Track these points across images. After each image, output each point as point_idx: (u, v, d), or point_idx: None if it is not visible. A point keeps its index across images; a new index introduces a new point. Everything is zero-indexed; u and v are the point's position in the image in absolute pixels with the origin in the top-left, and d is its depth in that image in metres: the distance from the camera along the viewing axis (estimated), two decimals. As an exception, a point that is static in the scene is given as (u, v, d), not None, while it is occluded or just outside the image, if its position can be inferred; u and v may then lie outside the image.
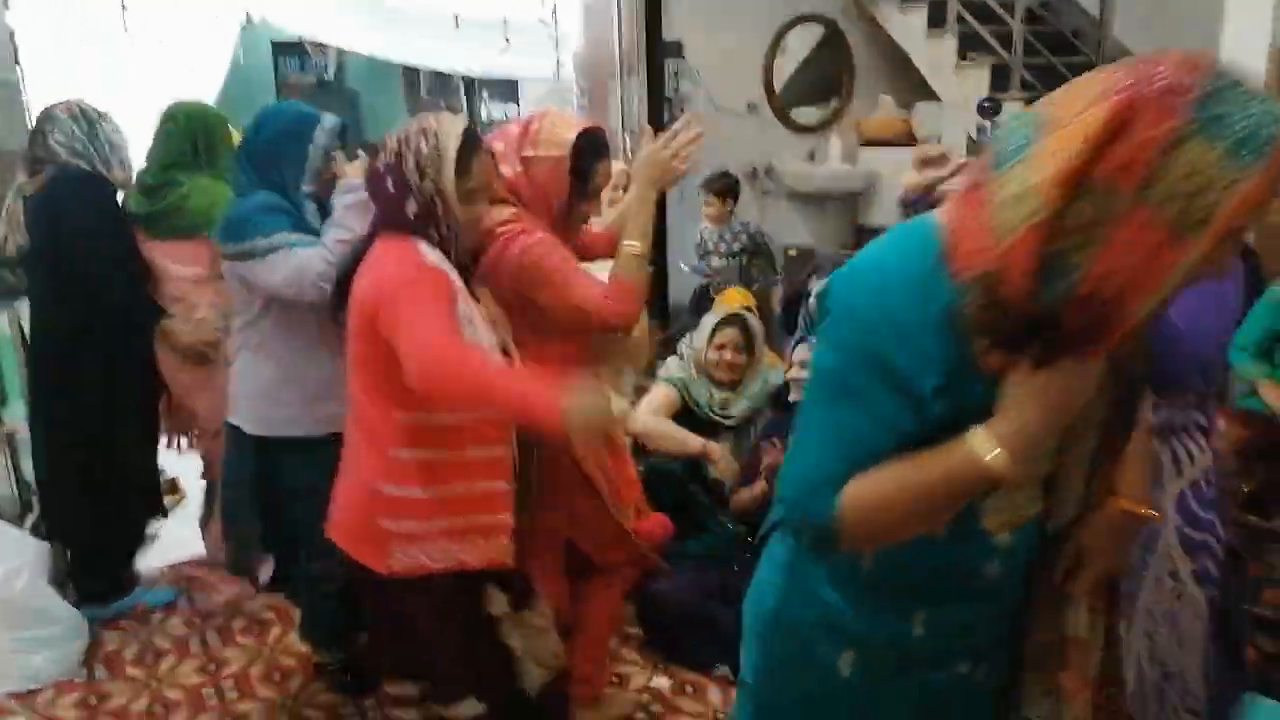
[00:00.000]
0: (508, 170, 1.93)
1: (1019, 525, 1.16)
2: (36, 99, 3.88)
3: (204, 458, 3.10)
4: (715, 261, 4.50)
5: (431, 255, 1.65)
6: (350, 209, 2.06)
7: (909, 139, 5.17)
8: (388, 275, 1.63)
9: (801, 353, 2.77)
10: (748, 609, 1.34)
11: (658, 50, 4.75)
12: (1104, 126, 0.84)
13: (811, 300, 3.50)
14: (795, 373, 2.77)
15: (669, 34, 4.81)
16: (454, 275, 1.66)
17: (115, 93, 4.91)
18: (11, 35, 3.91)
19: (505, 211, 1.89)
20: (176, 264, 2.77)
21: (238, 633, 2.81)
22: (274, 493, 2.26)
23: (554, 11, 4.94)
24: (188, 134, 2.71)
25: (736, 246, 4.50)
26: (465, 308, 1.66)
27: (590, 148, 1.92)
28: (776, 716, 1.31)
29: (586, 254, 2.10)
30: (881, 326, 1.00)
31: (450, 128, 1.67)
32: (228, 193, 2.54)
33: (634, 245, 1.89)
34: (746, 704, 1.36)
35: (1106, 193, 0.84)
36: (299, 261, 2.08)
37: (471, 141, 1.69)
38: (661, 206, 4.77)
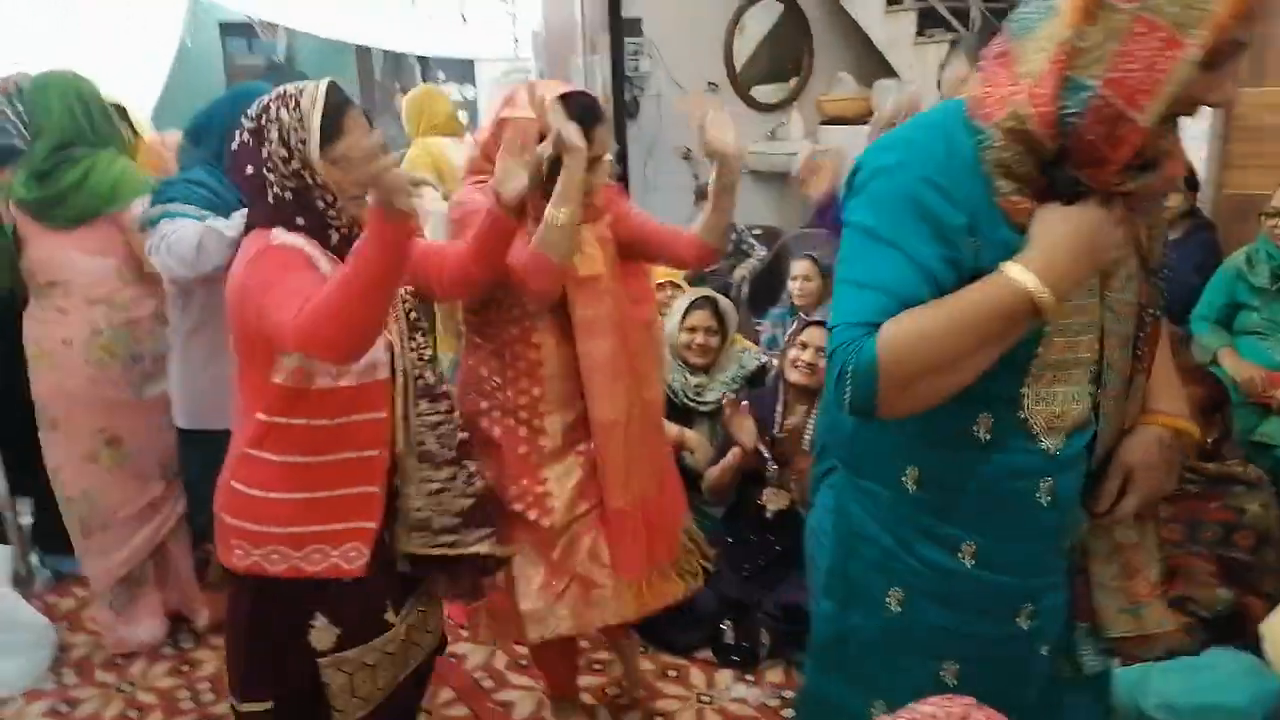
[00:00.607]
0: (480, 134, 1.91)
1: (1066, 427, 1.16)
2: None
3: None
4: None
5: (283, 235, 1.53)
6: None
7: (869, 116, 5.17)
8: (238, 271, 1.53)
9: (814, 335, 2.72)
10: (807, 556, 1.41)
11: (619, 28, 4.69)
12: None
13: (796, 267, 3.51)
14: (796, 354, 2.71)
15: (628, 11, 4.75)
16: (308, 247, 1.53)
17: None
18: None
19: (470, 182, 1.86)
20: (86, 255, 2.44)
21: (208, 634, 2.75)
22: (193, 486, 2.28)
23: (512, -12, 4.88)
24: (68, 106, 2.38)
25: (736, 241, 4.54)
26: (333, 270, 1.52)
27: (577, 112, 1.79)
28: (833, 656, 1.35)
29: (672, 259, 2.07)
30: (913, 170, 1.07)
31: (314, 91, 1.54)
32: (130, 167, 2.44)
33: (556, 214, 1.74)
34: (811, 646, 1.41)
35: (1112, 12, 0.96)
36: (176, 231, 2.03)
37: (337, 101, 1.55)
38: (625, 187, 4.77)
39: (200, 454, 2.21)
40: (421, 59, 7.58)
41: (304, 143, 1.52)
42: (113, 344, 2.45)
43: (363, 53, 8.10)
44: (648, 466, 2.00)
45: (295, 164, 1.53)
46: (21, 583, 2.76)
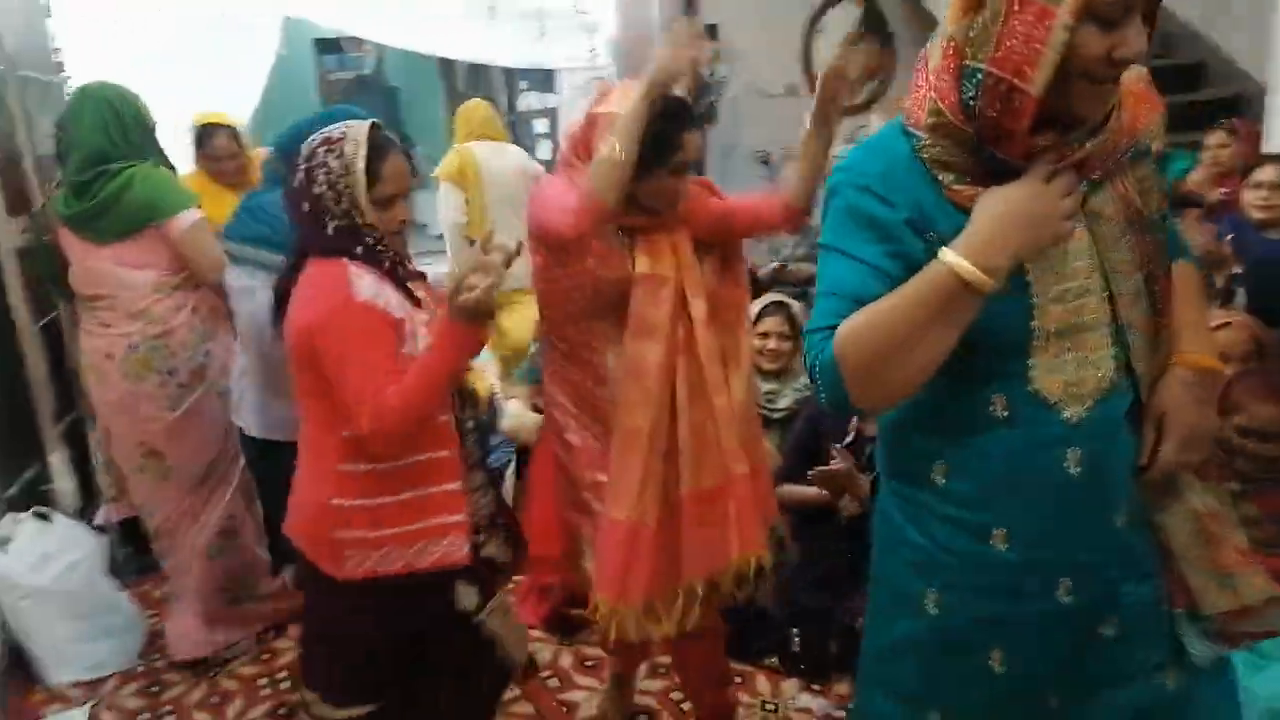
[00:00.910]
0: (574, 129, 1.90)
1: (1088, 394, 1.15)
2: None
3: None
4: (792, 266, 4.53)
5: (360, 283, 1.61)
6: None
7: (952, 118, 5.09)
8: (320, 312, 1.61)
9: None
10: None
11: (694, 34, 4.70)
12: None
13: None
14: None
15: (705, 16, 4.76)
16: (383, 300, 1.62)
17: (156, 93, 4.99)
18: (53, 38, 3.99)
19: (577, 172, 1.84)
20: (126, 269, 2.42)
21: (290, 624, 2.84)
22: (272, 493, 2.30)
23: (588, -2, 4.92)
24: (101, 119, 2.38)
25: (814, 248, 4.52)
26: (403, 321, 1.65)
27: (668, 113, 1.78)
28: (882, 662, 1.36)
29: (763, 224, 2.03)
30: (851, 183, 1.16)
31: (355, 135, 1.63)
32: (172, 178, 2.47)
33: (612, 148, 1.71)
34: (860, 661, 1.42)
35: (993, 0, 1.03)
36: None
37: (379, 145, 1.65)
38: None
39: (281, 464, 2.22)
40: (504, 70, 7.71)
41: (350, 187, 1.62)
42: (149, 357, 2.44)
43: (446, 65, 8.28)
44: (695, 485, 1.90)
45: (345, 204, 1.63)
46: (117, 570, 2.89)
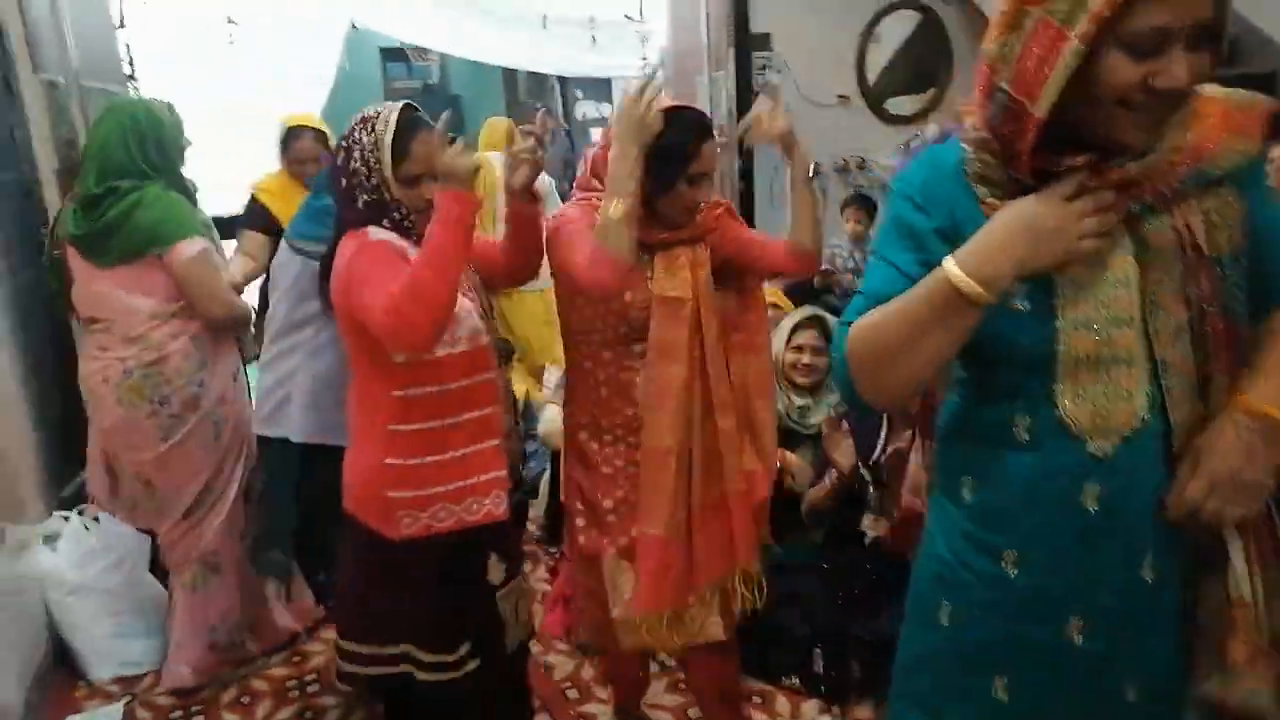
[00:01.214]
0: (593, 153, 1.96)
1: (1114, 430, 1.10)
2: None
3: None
4: (845, 278, 4.50)
5: (377, 233, 1.74)
6: None
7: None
8: (341, 267, 1.72)
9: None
10: None
11: (746, 44, 4.67)
12: None
13: None
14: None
15: (756, 26, 4.72)
16: (397, 240, 1.74)
17: (224, 106, 5.16)
18: (128, 48, 4.15)
19: (577, 197, 1.92)
20: (127, 294, 2.37)
21: (320, 627, 2.90)
22: (312, 498, 2.30)
23: (640, 8, 4.93)
24: (127, 135, 2.33)
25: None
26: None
27: (680, 126, 1.80)
28: (905, 673, 1.36)
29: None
30: (904, 192, 1.19)
31: (388, 114, 1.73)
32: (180, 203, 2.39)
33: (611, 207, 1.71)
34: (894, 665, 1.42)
35: (1024, 17, 1.02)
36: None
37: (410, 125, 1.74)
38: (749, 203, 4.74)
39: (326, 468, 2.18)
40: (560, 78, 7.79)
41: (379, 161, 1.72)
42: (141, 385, 2.37)
43: (509, 74, 8.41)
44: (704, 496, 1.94)
45: (375, 179, 1.73)
46: (158, 569, 2.97)
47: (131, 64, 4.16)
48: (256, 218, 3.15)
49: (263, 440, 2.53)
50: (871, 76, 5.30)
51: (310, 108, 5.76)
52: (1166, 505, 1.11)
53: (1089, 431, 1.10)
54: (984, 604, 1.20)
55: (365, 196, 1.74)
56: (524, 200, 1.87)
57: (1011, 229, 1.06)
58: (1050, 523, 1.14)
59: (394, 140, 1.72)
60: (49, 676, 2.61)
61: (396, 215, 1.76)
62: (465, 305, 1.78)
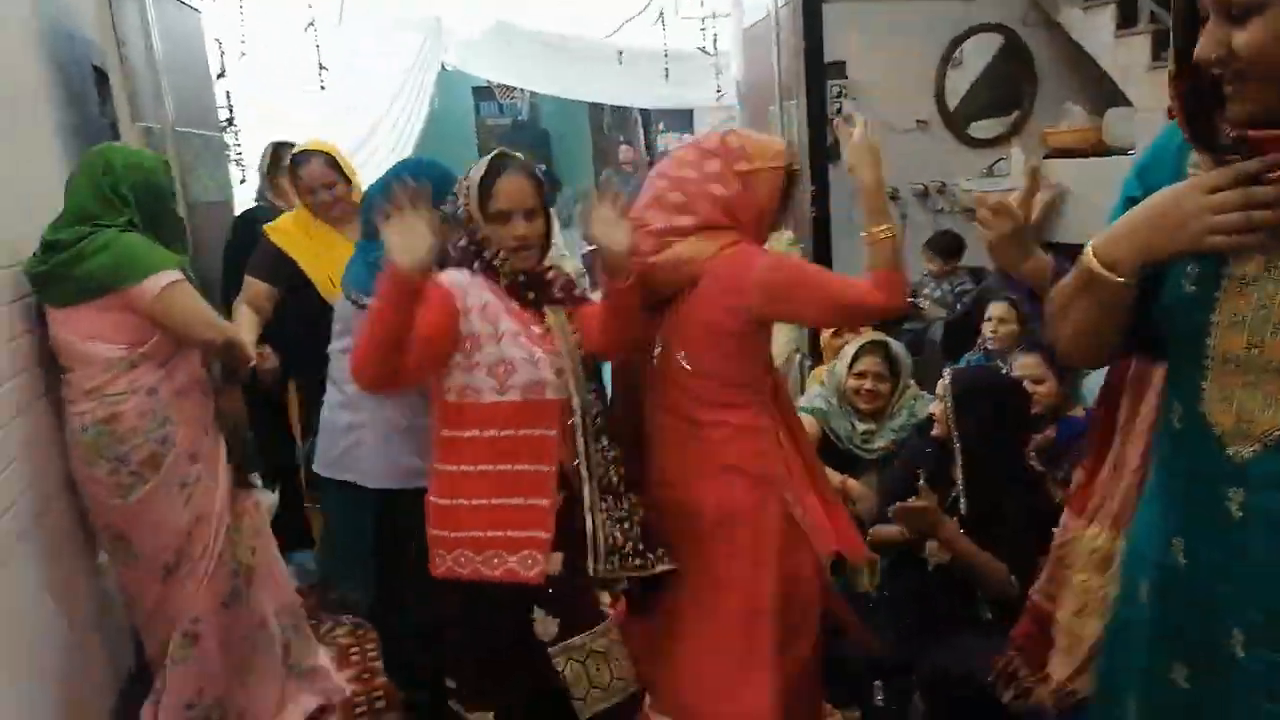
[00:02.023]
0: (719, 189, 1.89)
1: (1256, 437, 1.05)
2: (247, 153, 4.36)
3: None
4: (924, 304, 4.46)
5: (450, 275, 1.80)
6: None
7: (1100, 148, 4.82)
8: None
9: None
10: None
11: (819, 72, 4.67)
12: None
13: (993, 309, 3.34)
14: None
15: (831, 54, 4.72)
16: (460, 288, 1.77)
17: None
18: (228, 95, 4.41)
19: (724, 235, 1.89)
20: (82, 340, 2.15)
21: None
22: (389, 542, 2.26)
23: (714, 40, 4.99)
24: (97, 177, 2.19)
25: (958, 293, 4.48)
26: (480, 325, 1.76)
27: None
28: (1105, 643, 1.41)
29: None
30: (1136, 164, 1.21)
31: (485, 158, 1.82)
32: (144, 244, 2.18)
33: (883, 230, 1.82)
34: None
35: None
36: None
37: (497, 164, 1.82)
38: (826, 231, 4.70)
39: (401, 512, 2.13)
40: (643, 111, 7.91)
41: (469, 202, 1.83)
42: (95, 442, 2.16)
43: (594, 108, 8.58)
44: None
45: (468, 221, 1.84)
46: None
47: (230, 110, 4.43)
48: (265, 263, 2.87)
49: (328, 482, 2.43)
50: (951, 101, 5.24)
51: (404, 149, 6.01)
52: None
53: (1230, 435, 1.07)
54: (1163, 588, 1.19)
55: (463, 241, 1.83)
56: (619, 277, 1.77)
57: (1146, 214, 1.07)
58: (1202, 520, 1.12)
59: (482, 179, 1.80)
60: (133, 688, 2.59)
61: (487, 255, 1.82)
62: (523, 356, 1.75)
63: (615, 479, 1.84)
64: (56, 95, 2.67)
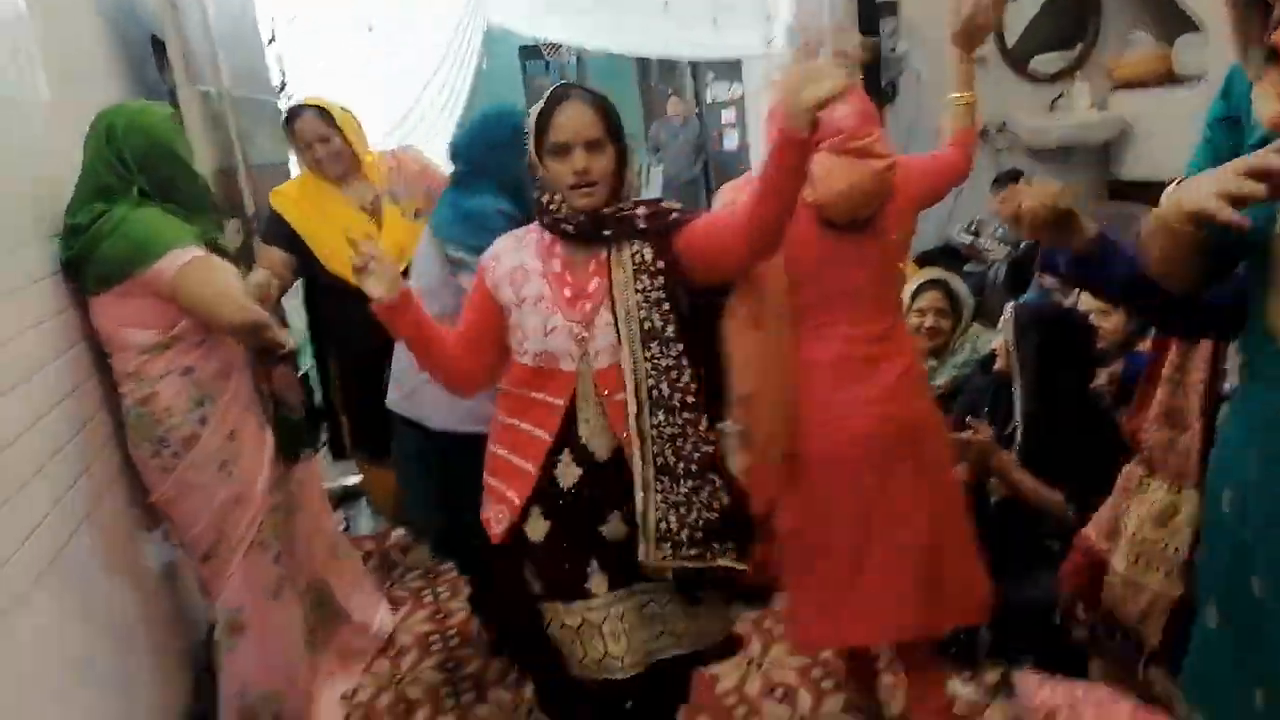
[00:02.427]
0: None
1: None
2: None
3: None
4: (985, 241, 4.36)
5: (495, 247, 1.77)
6: None
7: (1170, 77, 4.64)
8: None
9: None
10: None
11: (872, 11, 4.57)
12: None
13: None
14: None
15: (885, -8, 4.62)
16: (498, 260, 1.73)
17: (364, 110, 5.44)
18: (280, 59, 4.46)
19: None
20: (117, 326, 2.06)
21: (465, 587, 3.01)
22: (454, 482, 2.25)
23: (762, -16, 4.89)
24: (102, 146, 2.05)
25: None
26: (508, 292, 1.71)
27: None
28: (1204, 550, 1.43)
29: None
30: (1221, 94, 1.25)
31: (545, 95, 1.65)
32: (159, 218, 2.06)
33: (962, 95, 2.03)
34: None
35: None
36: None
37: (557, 95, 1.63)
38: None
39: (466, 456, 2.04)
40: (692, 63, 7.80)
41: (528, 137, 1.66)
42: (138, 424, 2.11)
43: (641, 62, 8.50)
44: None
45: (533, 168, 1.68)
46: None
47: (283, 74, 4.49)
48: (271, 230, 2.84)
49: (401, 420, 2.42)
50: (1010, 37, 5.08)
51: (454, 111, 6.01)
52: None
53: None
54: (1240, 501, 1.22)
55: (535, 192, 1.69)
56: (799, 125, 1.43)
57: (1207, 173, 1.08)
58: (1275, 433, 1.15)
59: (539, 113, 1.62)
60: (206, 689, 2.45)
61: (546, 199, 1.66)
62: (536, 324, 1.67)
63: (673, 459, 1.63)
64: (118, 66, 2.72)
